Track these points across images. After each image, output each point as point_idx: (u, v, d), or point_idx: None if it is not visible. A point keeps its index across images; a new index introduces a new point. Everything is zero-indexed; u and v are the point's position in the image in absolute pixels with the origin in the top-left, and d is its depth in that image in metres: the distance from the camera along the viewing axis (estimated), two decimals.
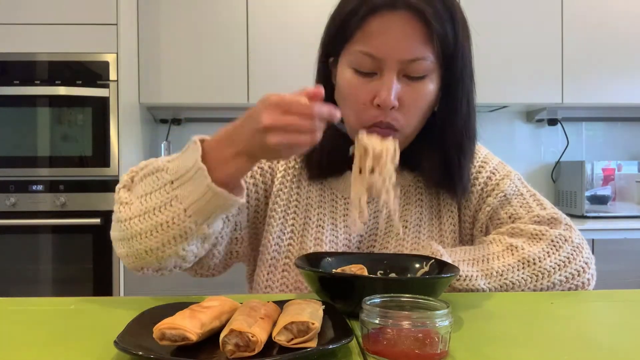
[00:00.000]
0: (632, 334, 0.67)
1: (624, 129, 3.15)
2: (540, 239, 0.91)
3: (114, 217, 0.81)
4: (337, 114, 0.69)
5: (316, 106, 0.66)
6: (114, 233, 0.82)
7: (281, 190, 0.97)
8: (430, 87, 0.86)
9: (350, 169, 0.90)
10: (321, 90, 0.68)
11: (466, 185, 0.95)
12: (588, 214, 2.66)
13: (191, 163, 0.72)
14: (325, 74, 0.94)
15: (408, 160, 0.95)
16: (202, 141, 0.73)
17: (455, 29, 0.85)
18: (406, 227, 0.96)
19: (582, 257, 0.90)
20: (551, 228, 0.92)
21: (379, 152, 0.78)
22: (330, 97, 0.93)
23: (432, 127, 0.91)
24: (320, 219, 0.96)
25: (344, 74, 0.88)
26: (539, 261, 0.88)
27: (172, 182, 0.74)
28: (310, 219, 0.96)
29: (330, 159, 0.94)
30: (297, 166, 0.98)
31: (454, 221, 0.98)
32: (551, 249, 0.89)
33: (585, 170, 2.72)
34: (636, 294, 0.89)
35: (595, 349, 0.60)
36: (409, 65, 0.83)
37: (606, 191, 2.77)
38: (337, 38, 0.89)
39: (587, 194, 2.72)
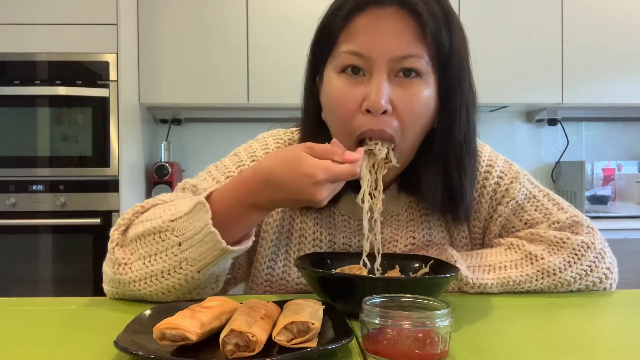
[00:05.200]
0: (633, 334, 0.67)
1: (624, 129, 3.15)
2: (561, 247, 0.86)
3: (110, 275, 0.76)
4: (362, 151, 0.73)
5: (356, 166, 0.68)
6: (109, 289, 0.78)
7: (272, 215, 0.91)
8: (426, 91, 0.78)
9: (352, 188, 0.83)
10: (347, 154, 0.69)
11: (469, 208, 0.87)
12: (588, 214, 2.63)
13: (200, 225, 0.69)
14: (313, 93, 0.87)
15: (408, 182, 0.89)
16: (208, 197, 0.71)
17: (450, 30, 0.78)
18: (414, 244, 0.91)
19: (604, 264, 0.86)
20: (573, 233, 0.88)
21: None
22: (317, 118, 0.87)
23: (431, 148, 0.84)
24: (317, 238, 0.91)
25: (330, 81, 0.81)
26: (559, 272, 0.84)
27: (180, 245, 0.71)
28: (305, 238, 0.91)
29: None
30: None
31: (465, 235, 0.93)
32: (572, 258, 0.85)
33: (585, 170, 2.72)
34: (636, 294, 0.89)
35: (595, 348, 0.60)
36: (400, 63, 0.76)
37: (606, 191, 2.77)
38: (321, 43, 0.83)
39: (587, 194, 2.72)
